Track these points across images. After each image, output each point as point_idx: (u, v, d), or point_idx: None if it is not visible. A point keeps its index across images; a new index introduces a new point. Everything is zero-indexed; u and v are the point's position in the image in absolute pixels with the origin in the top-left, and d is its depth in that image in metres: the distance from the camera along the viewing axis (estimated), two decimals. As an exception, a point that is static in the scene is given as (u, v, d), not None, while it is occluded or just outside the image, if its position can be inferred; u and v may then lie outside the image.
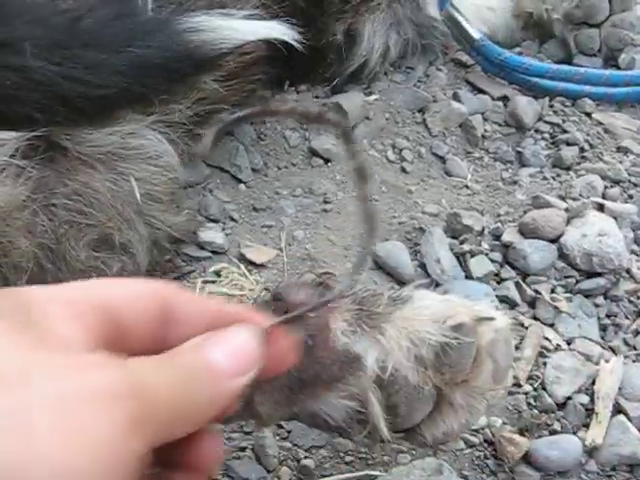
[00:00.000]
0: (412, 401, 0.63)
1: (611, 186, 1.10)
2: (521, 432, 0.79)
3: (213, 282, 0.91)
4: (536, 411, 0.81)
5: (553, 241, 0.98)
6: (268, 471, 0.75)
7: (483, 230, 1.00)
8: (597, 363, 0.86)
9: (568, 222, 0.99)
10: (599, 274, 0.95)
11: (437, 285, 0.94)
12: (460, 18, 1.34)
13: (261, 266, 0.95)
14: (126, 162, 0.86)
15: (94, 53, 0.79)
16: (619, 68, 1.36)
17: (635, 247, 1.02)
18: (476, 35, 1.32)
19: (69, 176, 0.81)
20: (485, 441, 0.79)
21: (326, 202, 1.07)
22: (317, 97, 1.26)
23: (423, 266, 0.97)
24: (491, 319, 0.64)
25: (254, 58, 1.02)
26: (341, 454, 0.76)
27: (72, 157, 0.82)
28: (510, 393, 0.82)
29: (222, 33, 0.84)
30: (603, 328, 0.92)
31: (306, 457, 0.76)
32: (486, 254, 0.97)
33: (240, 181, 1.10)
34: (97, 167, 0.83)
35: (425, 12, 1.36)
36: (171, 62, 0.82)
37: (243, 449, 0.76)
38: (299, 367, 0.61)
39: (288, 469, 0.75)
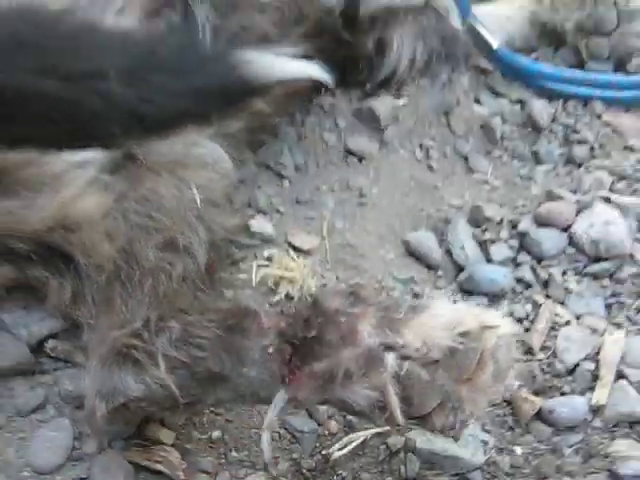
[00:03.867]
0: (424, 394, 0.74)
1: (618, 181, 1.21)
2: (535, 393, 0.92)
3: (266, 266, 1.04)
4: (548, 376, 0.94)
5: (564, 230, 1.10)
6: (319, 424, 0.89)
7: (502, 220, 1.13)
8: (602, 335, 0.98)
9: (578, 213, 1.12)
10: (605, 259, 1.07)
11: (461, 268, 1.07)
12: (480, 28, 1.44)
13: (306, 252, 1.08)
14: (188, 169, 0.97)
15: (166, 79, 0.89)
16: (628, 73, 1.45)
17: (639, 235, 1.15)
18: (495, 43, 1.43)
19: (139, 183, 0.93)
20: (505, 401, 0.92)
21: (362, 196, 1.19)
22: (351, 100, 1.38)
23: (449, 252, 1.09)
24: (496, 325, 0.74)
25: (297, 87, 1.15)
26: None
27: (141, 165, 0.94)
28: (526, 360, 0.95)
29: (268, 68, 0.96)
30: (608, 306, 1.04)
31: (352, 412, 0.89)
32: (505, 241, 1.10)
33: (284, 177, 1.22)
34: (163, 174, 0.94)
35: (449, 23, 1.45)
36: (227, 89, 0.94)
37: (297, 406, 0.89)
38: (332, 362, 0.74)
39: (336, 423, 0.89)
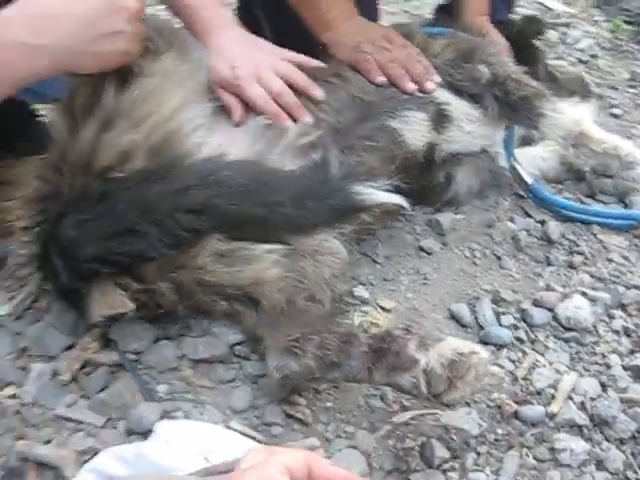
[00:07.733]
0: (437, 381, 1.36)
1: (597, 282, 1.84)
2: (516, 402, 1.54)
3: (363, 316, 1.71)
4: (524, 393, 1.56)
5: (550, 310, 1.74)
6: (387, 405, 1.54)
7: (512, 301, 1.77)
8: (562, 375, 1.60)
9: (562, 300, 1.76)
10: (574, 330, 1.70)
11: (482, 328, 1.72)
12: (519, 168, 2.08)
13: (388, 310, 1.73)
14: (321, 255, 1.61)
15: (313, 202, 1.51)
16: (626, 205, 2.09)
17: (605, 318, 1.75)
18: (529, 180, 2.07)
19: (294, 263, 1.57)
20: (496, 405, 1.55)
21: (426, 279, 1.83)
22: (425, 213, 2.04)
23: (476, 318, 1.73)
24: (478, 353, 1.37)
25: (387, 208, 1.81)
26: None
27: (296, 251, 1.58)
28: (512, 384, 1.59)
29: (370, 196, 1.55)
30: (572, 359, 1.65)
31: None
32: (511, 314, 1.74)
33: (377, 263, 1.87)
34: (307, 257, 1.58)
35: (497, 163, 2.10)
36: (346, 208, 1.54)
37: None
38: (392, 361, 1.39)
39: (397, 404, 1.53)
